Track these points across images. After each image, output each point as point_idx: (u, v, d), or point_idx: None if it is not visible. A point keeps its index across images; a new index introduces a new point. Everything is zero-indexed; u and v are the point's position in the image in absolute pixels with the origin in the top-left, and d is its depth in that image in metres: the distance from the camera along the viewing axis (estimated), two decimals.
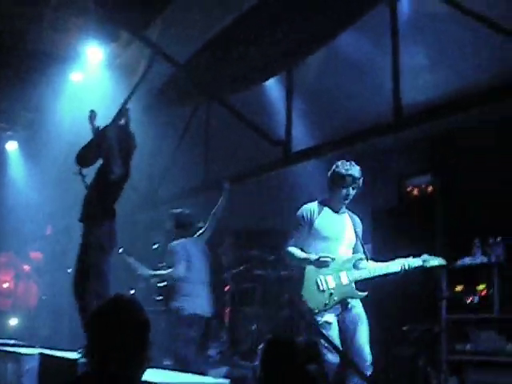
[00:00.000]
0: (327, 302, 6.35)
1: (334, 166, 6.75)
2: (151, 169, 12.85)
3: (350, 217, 6.85)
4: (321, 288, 6.39)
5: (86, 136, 11.18)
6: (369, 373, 6.13)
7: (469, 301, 7.88)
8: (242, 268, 11.01)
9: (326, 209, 6.72)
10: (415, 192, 9.64)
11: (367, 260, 6.69)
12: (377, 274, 6.55)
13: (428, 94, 8.39)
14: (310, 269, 6.46)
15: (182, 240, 8.90)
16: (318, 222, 6.64)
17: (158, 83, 11.95)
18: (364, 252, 6.71)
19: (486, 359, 7.61)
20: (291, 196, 11.05)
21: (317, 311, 6.30)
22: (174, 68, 10.60)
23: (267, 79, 9.95)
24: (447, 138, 9.48)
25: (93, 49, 11.13)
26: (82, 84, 12.67)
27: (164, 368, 7.46)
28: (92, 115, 8.32)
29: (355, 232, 6.77)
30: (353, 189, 6.65)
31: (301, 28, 8.75)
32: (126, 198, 12.98)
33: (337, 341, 6.14)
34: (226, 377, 8.63)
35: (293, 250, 6.64)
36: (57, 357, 7.60)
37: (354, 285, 6.49)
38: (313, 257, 6.44)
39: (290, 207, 11.37)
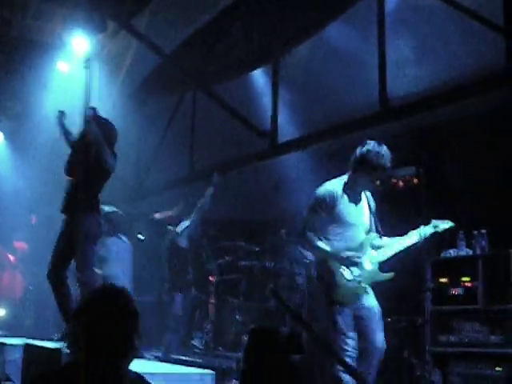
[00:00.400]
0: (358, 291, 6.23)
1: (364, 148, 6.41)
2: (137, 159, 12.82)
3: (366, 196, 6.57)
4: (348, 278, 6.20)
5: (72, 126, 11.13)
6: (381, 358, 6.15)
7: (453, 292, 7.91)
8: (226, 259, 11.02)
9: (348, 193, 6.38)
10: (400, 184, 9.65)
11: (381, 237, 6.50)
12: (400, 248, 6.43)
13: (414, 86, 8.42)
14: (332, 262, 6.26)
15: None
16: (340, 208, 6.29)
17: (143, 73, 11.93)
18: (377, 229, 6.50)
19: (470, 350, 7.64)
20: (277, 186, 11.08)
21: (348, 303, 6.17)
22: (160, 58, 10.57)
23: (254, 70, 9.94)
24: (432, 129, 9.50)
25: (79, 38, 11.06)
26: (68, 74, 12.61)
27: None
28: (60, 115, 8.28)
29: (370, 210, 6.53)
30: (380, 182, 6.49)
31: (288, 19, 8.74)
32: (111, 189, 13.02)
33: (351, 327, 6.08)
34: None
35: (318, 242, 6.25)
36: (41, 347, 7.58)
37: (377, 267, 6.38)
38: (342, 255, 6.18)
39: (275, 198, 11.42)
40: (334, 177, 6.61)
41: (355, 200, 6.43)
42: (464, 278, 7.86)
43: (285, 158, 9.95)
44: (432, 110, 7.59)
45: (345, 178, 6.51)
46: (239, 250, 10.85)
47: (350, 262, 6.20)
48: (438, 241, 7.46)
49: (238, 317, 10.36)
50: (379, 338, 6.23)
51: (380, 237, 6.52)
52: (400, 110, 7.66)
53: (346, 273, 6.22)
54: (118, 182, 12.81)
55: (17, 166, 15.28)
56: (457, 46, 8.20)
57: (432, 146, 9.61)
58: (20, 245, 16.02)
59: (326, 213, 6.26)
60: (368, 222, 6.52)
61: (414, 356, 8.03)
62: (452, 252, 8.24)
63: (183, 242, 10.48)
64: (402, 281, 7.26)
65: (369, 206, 6.56)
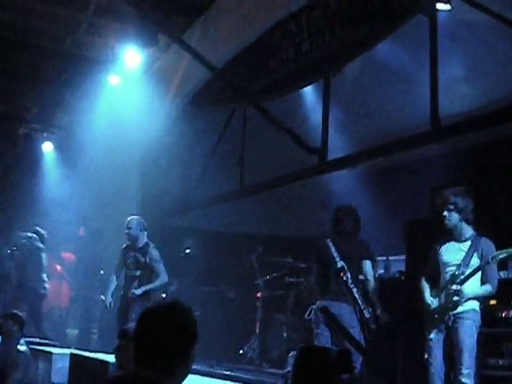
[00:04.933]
0: None
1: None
2: (186, 173, 12.87)
3: None
4: None
5: (121, 139, 11.30)
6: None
7: (503, 315, 7.80)
8: (274, 275, 11.01)
9: None
10: None
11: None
12: None
13: (465, 105, 8.33)
14: None
15: None
16: None
17: (194, 88, 12.00)
18: None
19: None
20: (325, 203, 11.04)
21: None
22: (211, 73, 10.63)
23: (304, 86, 9.93)
24: (482, 150, 9.40)
25: (131, 52, 11.19)
26: (119, 87, 12.75)
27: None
28: None
29: None
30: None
31: (339, 36, 8.74)
32: (159, 203, 13.11)
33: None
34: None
35: None
36: (88, 357, 7.66)
37: None
38: None
39: (323, 215, 11.39)
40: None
41: None
42: None
43: (333, 175, 9.93)
44: (483, 129, 7.51)
45: None
46: (287, 267, 10.83)
47: None
48: None
49: (284, 333, 10.34)
50: None
51: None
52: (451, 130, 7.59)
53: None
54: (166, 196, 12.96)
55: (66, 176, 15.47)
56: (509, 64, 8.12)
57: (482, 165, 9.50)
58: (67, 255, 16.20)
59: None
60: None
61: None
62: (502, 274, 8.12)
63: None
64: None
65: None
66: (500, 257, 6.64)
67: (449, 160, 9.76)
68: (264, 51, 10.17)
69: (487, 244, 6.76)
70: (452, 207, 6.78)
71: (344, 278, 7.56)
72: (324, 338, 7.62)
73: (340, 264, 7.65)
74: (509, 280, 7.96)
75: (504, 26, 6.93)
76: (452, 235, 6.89)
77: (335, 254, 7.74)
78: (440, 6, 7.55)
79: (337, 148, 9.51)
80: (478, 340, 6.68)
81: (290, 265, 10.77)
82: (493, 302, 7.88)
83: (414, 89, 8.60)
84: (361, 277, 7.78)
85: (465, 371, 6.42)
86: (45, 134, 15.95)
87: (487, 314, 7.55)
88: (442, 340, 6.70)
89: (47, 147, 16.00)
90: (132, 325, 4.38)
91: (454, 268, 6.73)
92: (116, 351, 5.69)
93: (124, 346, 5.36)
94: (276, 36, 9.92)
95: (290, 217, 12.38)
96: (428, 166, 9.96)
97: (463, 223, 6.82)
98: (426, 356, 6.77)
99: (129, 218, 9.65)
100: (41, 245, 12.74)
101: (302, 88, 10.00)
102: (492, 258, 6.60)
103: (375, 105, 9.85)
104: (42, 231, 12.94)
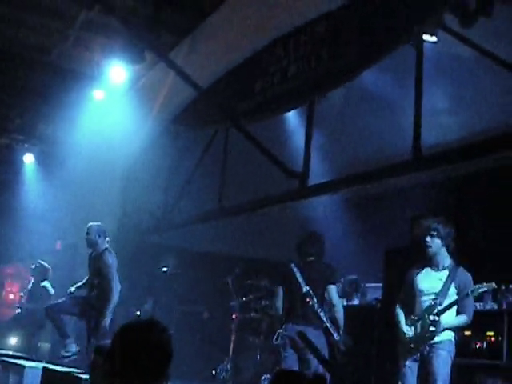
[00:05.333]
0: None
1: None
2: (166, 191, 12.86)
3: None
4: None
5: (103, 154, 11.26)
6: None
7: (477, 346, 7.83)
8: (250, 297, 10.99)
9: None
10: None
11: None
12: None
13: (447, 135, 8.39)
14: None
15: None
16: None
17: (178, 106, 12.01)
18: None
19: None
20: (304, 227, 11.05)
21: None
22: (196, 92, 10.64)
23: (288, 111, 9.96)
24: (463, 181, 9.46)
25: (117, 68, 11.19)
26: (104, 102, 12.74)
27: None
28: None
29: None
30: None
31: (325, 62, 8.77)
32: (139, 219, 13.07)
33: None
34: None
35: None
36: (60, 372, 7.58)
37: None
38: None
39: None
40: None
41: None
42: (489, 333, 7.78)
43: (313, 200, 9.95)
44: (464, 160, 7.55)
45: None
46: (262, 290, 10.82)
47: None
48: None
49: (258, 356, 10.31)
50: None
51: None
52: (433, 159, 7.62)
53: None
54: (146, 213, 12.92)
55: (46, 188, 15.37)
56: (492, 97, 8.19)
57: (462, 197, 9.57)
58: None
59: None
60: None
61: None
62: (478, 305, 8.15)
63: None
64: None
65: None
66: (480, 291, 6.66)
67: (429, 190, 9.82)
68: (250, 73, 10.19)
69: (465, 275, 6.78)
70: (435, 233, 6.81)
71: (310, 303, 7.60)
72: (291, 361, 7.64)
73: (305, 289, 7.68)
74: (484, 312, 8.01)
75: (488, 59, 7.01)
76: (430, 262, 6.90)
77: (300, 279, 7.75)
78: (426, 37, 7.62)
79: (318, 173, 9.52)
80: (451, 370, 6.69)
81: (267, 288, 10.75)
82: (467, 332, 7.93)
83: (398, 117, 8.66)
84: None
85: None
86: (26, 145, 15.85)
87: (461, 344, 7.58)
88: (417, 369, 6.71)
89: (28, 159, 15.90)
90: (107, 341, 4.37)
91: (430, 297, 6.73)
92: (90, 367, 5.64)
93: (99, 361, 5.32)
94: (263, 59, 9.95)
95: (268, 240, 12.38)
96: (408, 196, 10.03)
97: (444, 250, 6.84)
98: None
99: (88, 225, 9.61)
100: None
101: (286, 112, 10.03)
102: (472, 292, 6.61)
103: (358, 131, 9.90)
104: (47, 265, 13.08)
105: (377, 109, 9.34)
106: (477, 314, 7.63)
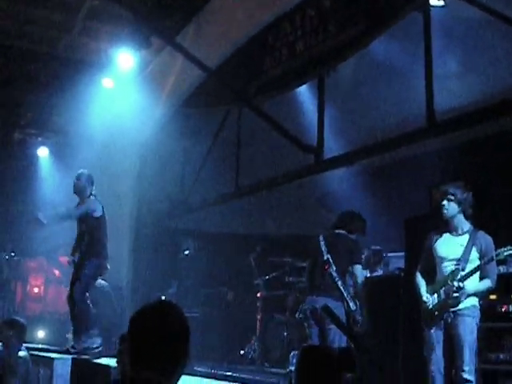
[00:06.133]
0: None
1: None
2: (182, 175, 12.86)
3: None
4: None
5: (117, 141, 11.25)
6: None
7: (503, 309, 7.79)
8: (273, 275, 10.98)
9: None
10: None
11: None
12: None
13: (460, 100, 8.33)
14: None
15: None
16: None
17: (188, 89, 11.98)
18: None
19: None
20: (321, 202, 11.04)
21: None
22: (205, 74, 10.61)
23: (299, 85, 9.91)
24: (479, 145, 9.39)
25: (124, 55, 11.16)
26: (114, 90, 12.72)
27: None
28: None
29: None
30: None
31: (333, 35, 8.73)
32: (156, 205, 13.08)
33: None
34: None
35: None
36: (89, 362, 7.63)
37: None
38: None
39: (319, 213, 11.38)
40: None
41: None
42: None
43: (329, 173, 9.92)
44: (478, 123, 7.50)
45: None
46: (286, 266, 10.79)
47: None
48: None
49: (285, 333, 10.31)
50: None
51: None
52: (447, 125, 7.59)
53: None
54: (163, 198, 12.93)
55: (62, 181, 15.38)
56: (504, 59, 8.11)
57: (479, 161, 9.50)
58: (65, 259, 16.12)
59: None
60: None
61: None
62: (501, 269, 8.11)
63: None
64: None
65: None
66: (505, 254, 6.59)
67: (446, 156, 9.76)
68: (258, 51, 10.16)
69: (486, 238, 6.70)
70: (452, 197, 6.71)
71: (329, 271, 7.59)
72: (316, 336, 7.66)
73: (326, 257, 7.68)
74: (508, 274, 7.95)
75: (498, 21, 6.94)
76: (449, 227, 6.83)
77: (323, 248, 7.77)
78: (434, 1, 7.55)
79: (333, 146, 9.50)
80: (478, 335, 6.66)
81: (289, 264, 10.72)
82: (493, 296, 7.87)
83: (409, 85, 8.61)
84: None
85: (466, 368, 6.38)
86: (40, 139, 15.89)
87: (487, 308, 7.54)
88: (442, 336, 6.68)
89: (42, 152, 15.93)
90: None
91: (452, 263, 6.66)
92: (117, 355, 5.68)
93: (125, 349, 5.35)
94: (270, 36, 9.91)
95: (287, 216, 12.37)
96: (425, 163, 9.96)
97: (461, 216, 6.76)
98: (425, 353, 6.76)
99: (79, 171, 9.68)
100: None
101: (296, 87, 9.98)
102: (497, 255, 6.56)
103: (370, 102, 9.84)
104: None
105: (388, 78, 9.27)
106: (501, 277, 7.61)
